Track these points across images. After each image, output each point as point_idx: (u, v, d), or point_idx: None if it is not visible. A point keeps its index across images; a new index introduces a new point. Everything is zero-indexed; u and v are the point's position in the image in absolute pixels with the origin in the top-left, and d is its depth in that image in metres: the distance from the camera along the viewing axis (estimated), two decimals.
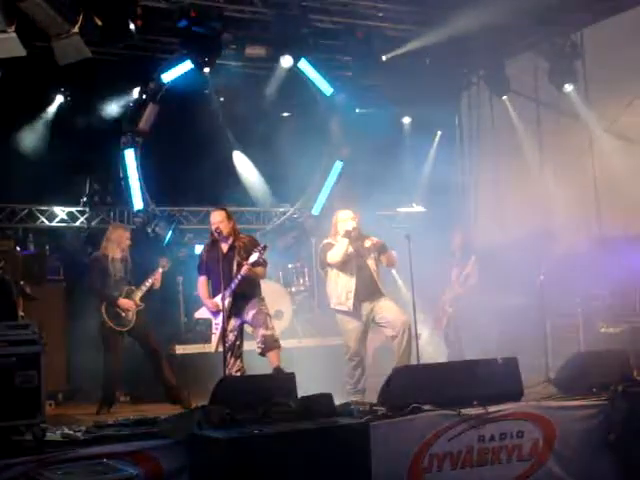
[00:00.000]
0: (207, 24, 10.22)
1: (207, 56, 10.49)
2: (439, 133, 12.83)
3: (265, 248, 7.89)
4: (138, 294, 8.60)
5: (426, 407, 6.15)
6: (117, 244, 8.69)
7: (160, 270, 8.75)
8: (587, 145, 11.06)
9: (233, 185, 11.17)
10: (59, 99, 11.18)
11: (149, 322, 8.80)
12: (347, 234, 7.97)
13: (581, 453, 6.50)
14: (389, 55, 11.26)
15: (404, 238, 8.02)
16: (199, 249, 9.09)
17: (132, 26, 9.16)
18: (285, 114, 12.36)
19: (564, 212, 10.87)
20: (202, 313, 8.31)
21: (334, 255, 7.98)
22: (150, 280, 8.66)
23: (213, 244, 8.08)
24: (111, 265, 8.58)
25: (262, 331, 7.79)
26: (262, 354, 7.83)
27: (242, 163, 12.12)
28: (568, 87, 11.08)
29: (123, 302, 8.46)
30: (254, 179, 12.09)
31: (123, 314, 8.46)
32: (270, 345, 7.77)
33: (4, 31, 7.21)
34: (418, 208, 11.59)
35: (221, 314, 7.77)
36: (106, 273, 8.56)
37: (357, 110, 12.38)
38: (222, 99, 11.73)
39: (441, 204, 10.57)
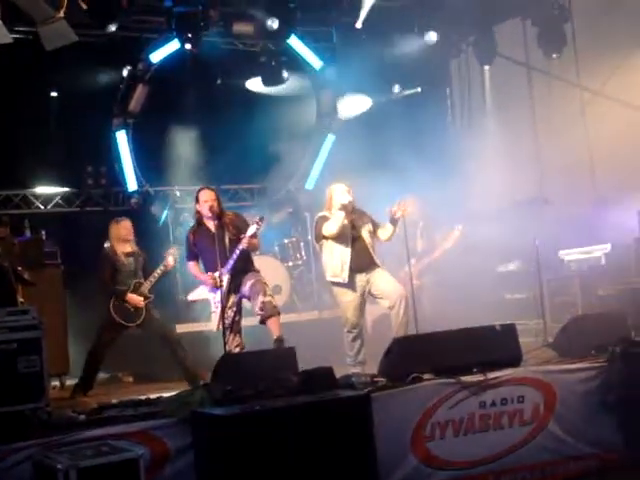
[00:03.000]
0: (192, 2, 10.17)
1: (194, 34, 10.43)
2: (419, 89, 12.67)
3: (262, 219, 7.92)
4: (147, 286, 8.57)
5: (426, 376, 6.22)
6: (118, 238, 8.66)
7: (170, 258, 8.68)
8: (579, 108, 11.05)
9: (227, 162, 11.15)
10: (52, 92, 11.18)
11: (158, 313, 8.79)
12: (343, 207, 7.98)
13: (581, 415, 6.55)
14: (361, 19, 11.17)
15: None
16: None
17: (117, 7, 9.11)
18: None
19: (558, 176, 10.89)
20: (196, 295, 8.33)
21: (330, 228, 8.00)
22: (159, 271, 8.61)
23: (199, 226, 8.11)
24: (120, 260, 8.57)
25: (261, 297, 7.77)
26: (262, 322, 7.79)
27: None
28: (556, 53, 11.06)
29: (131, 298, 8.45)
30: None
31: (132, 309, 8.46)
32: (269, 311, 7.75)
33: None
34: None
35: (219, 292, 7.79)
36: (114, 268, 8.55)
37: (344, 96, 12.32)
38: (219, 79, 11.71)
39: (432, 175, 10.54)
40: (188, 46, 10.50)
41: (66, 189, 11.79)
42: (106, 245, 8.68)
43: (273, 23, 10.70)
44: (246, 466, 5.07)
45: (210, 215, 7.92)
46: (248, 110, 11.84)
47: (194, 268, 8.21)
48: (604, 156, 10.56)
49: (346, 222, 8.01)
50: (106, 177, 11.66)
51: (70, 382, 9.05)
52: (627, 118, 10.19)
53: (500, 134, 12.06)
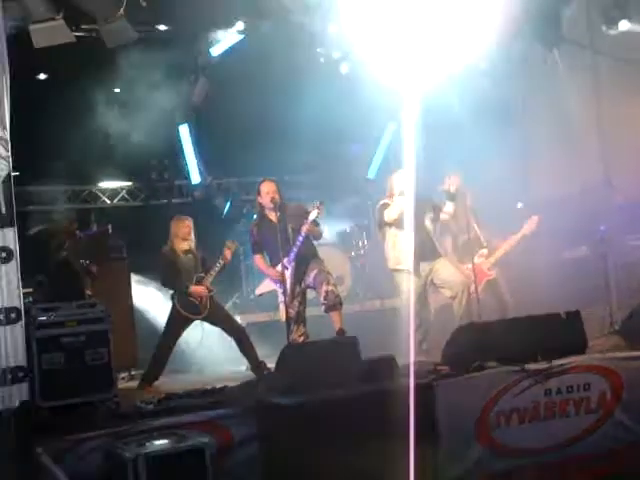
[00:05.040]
0: None
1: (253, 24, 10.45)
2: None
3: (322, 204, 7.96)
4: (209, 280, 8.60)
5: (490, 364, 6.19)
6: (176, 236, 8.72)
7: (227, 252, 8.72)
8: None
9: (289, 152, 11.18)
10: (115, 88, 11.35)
11: (223, 307, 8.85)
12: (403, 194, 7.98)
13: None
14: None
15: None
16: None
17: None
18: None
19: (624, 161, 10.66)
20: (263, 288, 8.40)
21: (391, 214, 8.01)
22: (218, 265, 8.65)
23: (261, 218, 8.18)
24: (179, 257, 8.63)
25: (325, 287, 7.85)
26: (326, 311, 7.88)
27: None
28: (623, 25, 10.74)
29: (195, 289, 8.42)
30: None
31: (197, 302, 8.52)
32: (332, 301, 7.82)
33: (52, 19, 7.32)
34: None
35: (285, 281, 7.85)
36: (174, 266, 8.60)
37: None
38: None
39: (494, 161, 10.40)
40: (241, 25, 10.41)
41: (131, 183, 11.99)
42: (164, 247, 8.74)
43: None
44: (310, 454, 5.11)
45: (272, 207, 7.99)
46: (309, 99, 11.84)
47: (260, 261, 8.28)
48: None
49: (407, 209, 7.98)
50: (169, 170, 11.81)
51: (138, 373, 9.20)
52: None
53: (564, 119, 11.87)
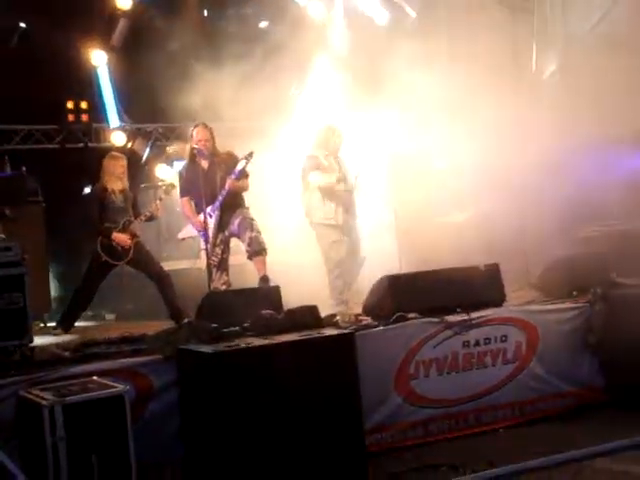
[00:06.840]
0: None
1: None
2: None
3: (252, 154, 7.85)
4: (136, 225, 8.43)
5: (410, 315, 6.25)
6: (111, 174, 8.48)
7: (161, 198, 8.53)
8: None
9: (210, 99, 10.99)
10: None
11: (148, 251, 8.63)
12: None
13: (563, 354, 6.65)
14: None
15: None
16: (178, 166, 9.01)
17: None
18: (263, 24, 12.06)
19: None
20: (186, 233, 8.28)
21: (317, 181, 8.04)
22: (149, 211, 8.47)
23: (192, 162, 8.03)
24: (110, 197, 8.39)
25: (248, 233, 7.76)
26: (250, 257, 7.81)
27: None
28: None
29: (117, 237, 8.22)
30: None
31: (119, 248, 8.33)
32: (257, 247, 7.75)
33: None
34: None
35: (207, 230, 7.76)
36: (104, 205, 8.37)
37: None
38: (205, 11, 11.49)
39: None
40: None
41: (47, 125, 11.62)
42: (96, 185, 8.50)
43: None
44: (230, 403, 5.08)
45: (204, 153, 7.86)
46: (235, 43, 11.63)
47: (186, 205, 8.13)
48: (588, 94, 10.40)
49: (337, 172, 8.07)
50: (87, 113, 11.50)
51: (53, 318, 9.03)
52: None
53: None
